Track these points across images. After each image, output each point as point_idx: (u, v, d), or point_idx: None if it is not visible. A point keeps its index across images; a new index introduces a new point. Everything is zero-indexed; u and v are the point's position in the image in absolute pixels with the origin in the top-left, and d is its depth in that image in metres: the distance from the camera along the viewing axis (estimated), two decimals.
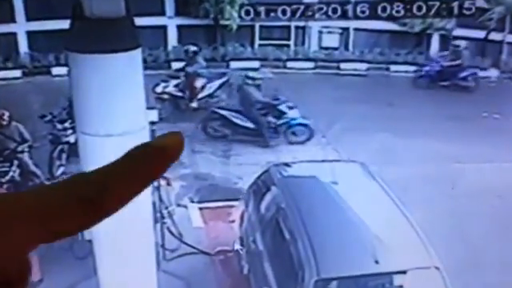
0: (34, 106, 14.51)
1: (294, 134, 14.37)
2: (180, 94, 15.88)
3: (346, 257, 7.18)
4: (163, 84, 15.64)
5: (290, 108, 14.50)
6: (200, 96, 16.13)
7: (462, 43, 19.69)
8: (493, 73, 20.97)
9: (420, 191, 11.35)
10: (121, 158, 0.52)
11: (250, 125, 14.26)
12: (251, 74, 15.82)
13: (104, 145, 5.26)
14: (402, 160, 13.30)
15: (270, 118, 14.35)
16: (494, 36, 21.37)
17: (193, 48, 16.61)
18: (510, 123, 15.79)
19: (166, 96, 15.58)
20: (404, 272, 6.99)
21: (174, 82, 15.79)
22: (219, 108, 14.56)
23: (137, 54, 5.30)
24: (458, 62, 19.27)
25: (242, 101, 14.69)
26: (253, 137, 14.18)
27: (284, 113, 14.37)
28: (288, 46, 21.57)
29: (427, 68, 19.44)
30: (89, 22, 4.92)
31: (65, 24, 5.43)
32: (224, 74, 17.01)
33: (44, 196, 0.50)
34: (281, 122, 14.33)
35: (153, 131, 7.69)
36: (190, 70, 16.04)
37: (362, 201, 8.16)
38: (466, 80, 19.24)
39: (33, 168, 11.49)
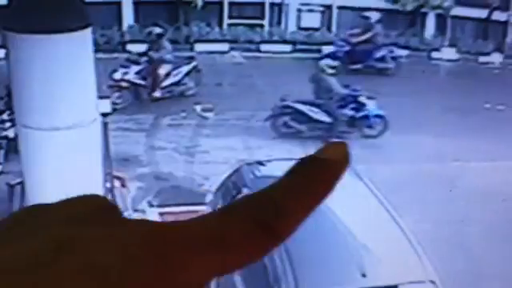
0: None
1: (369, 126, 14.70)
2: (142, 81, 15.86)
3: (329, 270, 7.21)
4: (122, 70, 15.59)
5: (370, 98, 14.84)
6: (164, 84, 16.13)
7: (374, 15, 19.41)
8: (496, 58, 21.20)
9: (413, 193, 11.42)
10: (290, 174, 0.53)
11: (326, 119, 14.53)
12: (326, 61, 15.86)
13: (48, 140, 5.23)
14: (393, 158, 13.39)
15: (347, 111, 14.66)
16: (498, 16, 21.60)
17: (157, 30, 16.60)
18: None
19: (124, 84, 15.53)
20: (395, 287, 7.04)
21: (136, 68, 15.75)
22: (295, 101, 14.63)
23: (86, 35, 5.27)
24: (368, 36, 19.00)
25: (318, 92, 14.87)
26: (327, 132, 14.41)
27: (364, 104, 14.71)
28: (262, 25, 21.59)
29: (333, 49, 18.99)
30: None
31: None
32: (191, 59, 17.01)
33: (215, 223, 0.50)
34: (360, 114, 14.68)
35: (105, 124, 7.66)
36: (155, 55, 16.04)
37: (347, 205, 8.18)
38: (383, 61, 19.08)
39: None
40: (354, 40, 18.91)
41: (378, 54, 18.99)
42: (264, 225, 0.50)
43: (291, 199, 0.52)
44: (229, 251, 0.49)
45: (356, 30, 19.54)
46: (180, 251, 0.48)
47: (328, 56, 18.01)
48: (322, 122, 14.49)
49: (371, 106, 14.70)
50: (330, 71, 15.03)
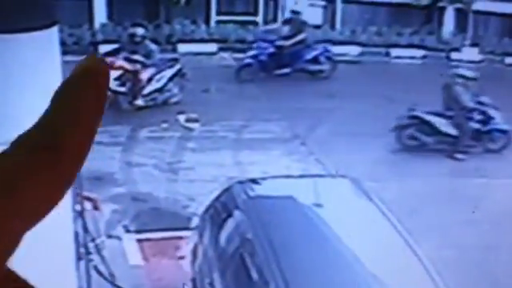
0: None
1: (491, 140, 15.04)
2: (122, 89, 15.87)
3: None
4: None
5: (496, 110, 15.13)
6: (147, 91, 16.16)
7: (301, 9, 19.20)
8: None
9: (430, 215, 11.43)
10: (53, 99, 0.60)
11: (452, 131, 14.84)
12: (462, 71, 16.01)
13: None
14: (408, 174, 13.40)
15: (474, 124, 14.94)
16: None
17: (141, 31, 16.65)
18: None
19: None
20: None
21: (114, 73, 15.74)
22: (424, 112, 14.97)
23: (52, 34, 5.26)
24: (301, 37, 18.77)
25: (449, 103, 15.13)
26: (451, 145, 14.73)
27: (492, 117, 15.05)
28: (255, 23, 21.64)
29: (254, 52, 18.51)
30: None
31: None
32: (175, 61, 17.06)
33: None
34: (487, 128, 15.01)
35: None
36: (147, 61, 16.13)
37: (354, 228, 8.19)
38: (316, 62, 18.87)
39: None
40: (283, 43, 18.49)
41: (310, 55, 18.69)
42: (42, 149, 0.54)
43: (64, 118, 0.58)
44: (13, 186, 0.54)
45: (275, 25, 19.63)
46: None
47: (247, 65, 18.00)
48: (448, 134, 14.82)
49: (498, 120, 15.06)
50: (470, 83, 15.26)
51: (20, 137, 0.55)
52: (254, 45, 18.68)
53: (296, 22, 18.75)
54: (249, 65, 18.13)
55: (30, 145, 0.54)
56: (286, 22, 19.39)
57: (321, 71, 18.73)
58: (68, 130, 0.56)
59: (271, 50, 18.27)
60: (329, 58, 18.84)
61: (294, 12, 19.18)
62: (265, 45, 18.39)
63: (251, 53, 18.29)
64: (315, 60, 18.69)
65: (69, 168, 0.57)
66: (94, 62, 0.58)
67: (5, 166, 0.54)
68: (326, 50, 18.88)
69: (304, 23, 18.85)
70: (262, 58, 18.14)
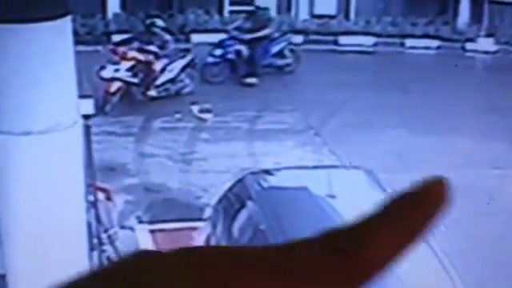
0: None
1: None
2: (135, 79, 15.87)
3: None
4: (113, 67, 15.56)
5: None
6: (159, 82, 16.18)
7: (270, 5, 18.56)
8: None
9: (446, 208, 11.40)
10: (380, 208, 0.56)
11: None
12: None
13: (21, 146, 5.23)
14: (422, 165, 13.36)
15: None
16: None
17: (160, 22, 16.70)
18: None
19: (114, 87, 15.43)
20: None
21: (126, 64, 15.73)
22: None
23: (65, 24, 5.27)
24: (266, 33, 18.06)
25: None
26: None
27: None
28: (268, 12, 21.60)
29: (219, 51, 17.65)
30: None
31: None
32: (187, 52, 17.07)
33: (287, 249, 0.54)
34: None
35: (87, 127, 7.65)
36: (160, 52, 16.16)
37: None
38: (280, 56, 18.30)
39: None
40: (248, 37, 17.75)
41: (275, 49, 18.10)
42: (338, 251, 0.52)
43: (376, 229, 0.54)
44: (294, 275, 0.52)
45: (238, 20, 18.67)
46: (236, 273, 0.52)
47: (213, 63, 17.41)
48: None
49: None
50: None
51: (327, 232, 0.54)
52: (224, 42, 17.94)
53: (260, 17, 18.19)
54: (216, 64, 17.47)
55: (331, 243, 0.53)
56: (248, 17, 18.55)
57: (287, 65, 18.26)
58: (378, 241, 0.54)
59: (237, 47, 17.68)
60: (292, 51, 18.32)
61: (258, 8, 18.73)
62: (230, 42, 17.78)
63: (217, 51, 17.53)
64: (280, 54, 18.19)
65: (364, 275, 0.54)
66: (443, 188, 0.58)
67: (297, 256, 0.53)
68: (290, 43, 18.40)
69: (270, 19, 18.39)
70: (230, 56, 17.58)
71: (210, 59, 17.35)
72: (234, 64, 17.56)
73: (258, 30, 17.85)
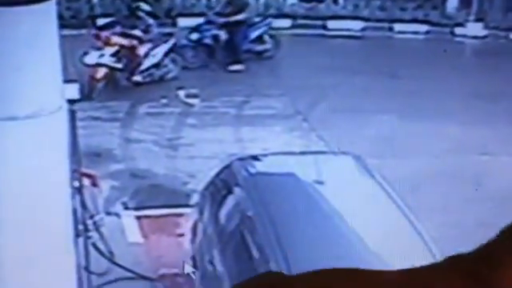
0: None
1: None
2: (119, 65, 15.81)
3: None
4: (96, 53, 15.48)
5: None
6: (144, 67, 16.13)
7: None
8: None
9: (433, 193, 11.44)
10: (504, 231, 0.60)
11: None
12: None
13: (5, 131, 5.22)
14: (410, 151, 13.40)
15: None
16: None
17: (145, 7, 16.60)
18: None
19: (99, 74, 15.36)
20: None
21: (110, 49, 15.65)
22: None
23: (49, 7, 5.25)
24: (243, 16, 17.65)
25: None
26: None
27: None
28: None
29: (195, 35, 17.42)
30: None
31: None
32: (170, 36, 17.01)
33: (418, 274, 0.61)
34: None
35: (72, 112, 7.62)
36: (144, 36, 16.08)
37: (356, 206, 8.20)
38: (259, 41, 18.08)
39: None
40: (222, 21, 17.46)
41: (254, 34, 17.84)
42: (471, 274, 0.58)
43: (503, 251, 0.58)
44: None
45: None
46: None
47: (190, 47, 17.21)
48: None
49: None
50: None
51: (453, 257, 0.59)
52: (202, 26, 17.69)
53: (238, 1, 17.79)
54: (192, 48, 17.27)
55: (462, 267, 0.59)
56: (228, 1, 18.12)
57: (266, 51, 18.05)
58: (507, 263, 0.57)
59: (214, 31, 17.45)
60: (271, 36, 18.09)
61: None
62: (207, 27, 17.55)
63: (194, 36, 17.31)
64: (260, 39, 17.98)
65: None
66: None
67: (435, 280, 0.58)
68: (269, 28, 18.13)
69: (246, 3, 17.91)
70: (207, 41, 17.38)
71: (185, 42, 17.21)
72: (211, 49, 17.38)
73: (235, 14, 17.62)
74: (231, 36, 17.37)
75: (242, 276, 7.82)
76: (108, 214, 10.73)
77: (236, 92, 15.95)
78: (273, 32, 18.32)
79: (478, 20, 21.30)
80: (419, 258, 7.43)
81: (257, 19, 18.38)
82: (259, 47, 17.96)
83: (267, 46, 18.04)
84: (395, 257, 7.43)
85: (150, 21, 16.52)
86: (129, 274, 9.55)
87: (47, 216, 5.54)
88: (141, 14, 16.34)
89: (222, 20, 17.43)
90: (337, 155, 11.03)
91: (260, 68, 17.50)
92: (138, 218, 11.19)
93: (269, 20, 18.43)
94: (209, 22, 17.58)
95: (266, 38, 18.06)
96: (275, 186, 8.78)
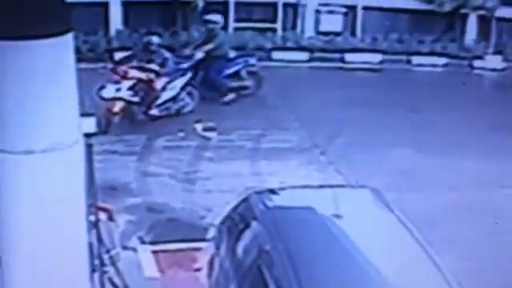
0: None
1: None
2: (136, 98, 15.86)
3: None
4: (113, 86, 15.53)
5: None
6: (161, 100, 16.19)
7: (219, 18, 17.99)
8: None
9: (452, 227, 11.39)
10: None
11: None
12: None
13: (23, 164, 5.23)
14: (429, 185, 13.36)
15: None
16: None
17: (156, 40, 16.68)
18: None
19: (117, 108, 15.40)
20: None
21: (127, 83, 15.70)
22: None
23: (67, 41, 5.29)
24: (211, 47, 17.34)
25: None
26: None
27: None
28: (274, 30, 21.65)
29: (170, 68, 16.60)
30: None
31: None
32: (187, 70, 17.07)
33: None
34: None
35: (89, 146, 7.65)
36: (161, 70, 16.15)
37: (375, 239, 8.17)
38: (236, 78, 17.76)
39: None
40: (190, 53, 17.17)
41: (230, 70, 17.54)
42: None
43: None
44: None
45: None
46: None
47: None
48: None
49: None
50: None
51: None
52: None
53: (209, 33, 17.75)
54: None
55: None
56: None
57: (244, 87, 17.69)
58: None
59: (186, 64, 16.96)
60: (252, 73, 17.75)
61: (206, 21, 18.07)
62: (178, 60, 16.96)
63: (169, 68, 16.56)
64: (237, 75, 17.62)
65: None
66: None
67: None
68: (248, 64, 17.74)
69: (215, 35, 17.58)
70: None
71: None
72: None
73: (204, 43, 17.52)
74: (206, 70, 17.25)
75: None
76: (124, 248, 10.72)
77: (253, 125, 15.96)
78: (253, 69, 17.91)
79: (496, 53, 21.30)
80: None
81: (236, 55, 18.13)
82: (234, 83, 17.57)
83: (246, 82, 17.71)
84: None
85: (167, 54, 16.60)
86: None
87: (63, 250, 5.54)
88: (153, 47, 16.41)
89: (186, 53, 17.27)
90: (355, 189, 11.00)
91: (278, 100, 17.51)
92: (155, 252, 11.17)
93: (247, 58, 18.05)
94: (180, 56, 17.26)
95: (244, 74, 17.73)
96: (293, 219, 8.75)
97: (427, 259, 7.82)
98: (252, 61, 18.00)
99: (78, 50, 5.26)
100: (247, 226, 8.92)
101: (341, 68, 20.64)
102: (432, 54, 21.23)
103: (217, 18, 17.90)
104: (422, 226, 8.50)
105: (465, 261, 9.52)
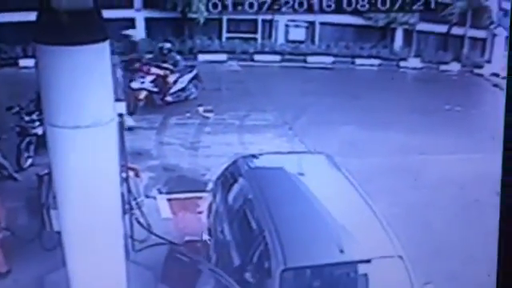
0: (0, 98, 14.29)
1: None
2: (155, 89, 15.84)
3: (312, 246, 7.21)
4: (139, 80, 15.51)
5: None
6: (173, 90, 16.13)
7: (134, 33, 16.62)
8: (454, 66, 21.20)
9: (384, 182, 11.42)
10: None
11: None
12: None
13: (72, 136, 5.20)
14: (367, 152, 13.37)
15: None
16: (456, 30, 21.59)
17: (167, 45, 16.66)
18: (471, 115, 15.99)
19: (142, 95, 15.40)
20: (368, 261, 7.04)
21: (149, 77, 15.68)
22: None
23: (105, 46, 5.24)
24: (136, 56, 15.71)
25: None
26: None
27: None
28: (255, 39, 21.49)
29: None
30: (56, 14, 4.86)
31: (32, 16, 5.35)
32: (192, 67, 17.00)
33: None
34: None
35: (121, 123, 7.61)
36: (174, 68, 16.06)
37: (328, 192, 8.19)
38: (182, 90, 16.16)
39: (1, 160, 11.35)
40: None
41: (178, 86, 16.02)
42: None
43: None
44: None
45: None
46: None
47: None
48: None
49: None
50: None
51: None
52: None
53: (132, 43, 16.34)
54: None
55: None
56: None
57: (188, 96, 16.11)
58: None
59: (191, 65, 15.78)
60: (195, 85, 16.35)
61: (125, 36, 16.50)
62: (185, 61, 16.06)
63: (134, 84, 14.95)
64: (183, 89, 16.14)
65: None
66: None
67: None
68: (193, 78, 16.31)
69: (135, 44, 16.14)
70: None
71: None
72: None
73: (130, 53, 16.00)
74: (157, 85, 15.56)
75: (245, 242, 7.81)
76: (147, 197, 10.70)
77: (240, 107, 15.91)
78: (196, 82, 16.42)
79: (416, 56, 21.27)
80: (373, 229, 7.43)
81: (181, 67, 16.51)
82: (183, 94, 16.04)
83: (190, 91, 16.17)
84: (356, 228, 7.42)
85: (178, 57, 16.58)
86: (162, 241, 9.53)
87: (103, 199, 5.53)
88: (164, 51, 16.38)
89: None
90: (314, 154, 11.01)
91: (259, 90, 17.44)
92: (169, 200, 11.15)
93: (190, 73, 16.49)
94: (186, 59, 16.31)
95: (190, 86, 16.22)
96: (269, 176, 8.76)
97: (365, 205, 7.86)
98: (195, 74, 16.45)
99: (112, 53, 5.23)
100: (236, 181, 8.93)
101: (304, 67, 20.55)
102: (370, 57, 21.16)
103: (133, 32, 16.44)
104: (362, 182, 8.53)
105: (392, 207, 9.56)
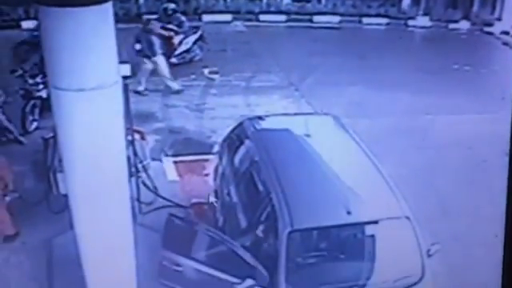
0: (3, 61, 14.28)
1: None
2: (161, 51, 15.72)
3: (319, 208, 7.26)
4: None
5: None
6: (178, 52, 16.07)
7: None
8: (463, 25, 21.03)
9: (391, 143, 11.44)
10: None
11: None
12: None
13: (76, 99, 5.20)
14: (374, 112, 13.37)
15: None
16: None
17: (172, 6, 16.51)
18: (480, 75, 15.93)
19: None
20: (375, 222, 7.09)
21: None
22: None
23: (108, 8, 5.21)
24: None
25: None
26: None
27: None
28: None
29: (138, 46, 14.40)
30: None
31: None
32: (197, 29, 16.91)
33: None
34: None
35: (126, 86, 7.61)
36: (178, 29, 15.93)
37: (335, 153, 8.20)
38: (186, 52, 16.20)
39: (6, 124, 11.39)
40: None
41: (183, 48, 16.15)
42: None
43: None
44: None
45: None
46: None
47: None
48: None
49: None
50: None
51: None
52: None
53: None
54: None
55: None
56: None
57: (193, 57, 16.21)
58: None
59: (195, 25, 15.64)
60: (200, 46, 16.40)
61: None
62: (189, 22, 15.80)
63: (137, 46, 14.46)
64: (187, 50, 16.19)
65: None
66: None
67: None
68: (198, 38, 16.32)
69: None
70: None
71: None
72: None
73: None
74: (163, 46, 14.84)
75: (251, 204, 7.86)
76: (153, 159, 10.75)
77: (246, 69, 15.88)
78: (201, 43, 16.47)
79: (425, 14, 21.12)
80: (380, 190, 7.46)
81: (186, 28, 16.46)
82: (188, 56, 16.18)
83: (195, 53, 16.28)
84: (363, 189, 7.46)
85: (182, 18, 16.45)
86: (168, 203, 9.62)
87: (109, 162, 5.55)
88: (170, 12, 16.25)
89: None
90: (320, 115, 11.01)
91: (264, 51, 17.37)
92: (175, 162, 11.22)
93: (195, 34, 16.50)
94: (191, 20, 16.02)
95: (194, 47, 16.31)
96: (275, 138, 8.78)
97: (372, 166, 7.87)
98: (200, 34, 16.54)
99: (115, 14, 5.20)
100: (242, 143, 8.94)
101: (310, 27, 20.44)
102: (377, 15, 21.03)
103: None
104: (369, 143, 8.55)
105: (400, 168, 9.59)
